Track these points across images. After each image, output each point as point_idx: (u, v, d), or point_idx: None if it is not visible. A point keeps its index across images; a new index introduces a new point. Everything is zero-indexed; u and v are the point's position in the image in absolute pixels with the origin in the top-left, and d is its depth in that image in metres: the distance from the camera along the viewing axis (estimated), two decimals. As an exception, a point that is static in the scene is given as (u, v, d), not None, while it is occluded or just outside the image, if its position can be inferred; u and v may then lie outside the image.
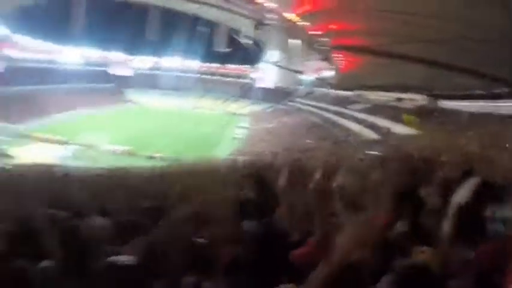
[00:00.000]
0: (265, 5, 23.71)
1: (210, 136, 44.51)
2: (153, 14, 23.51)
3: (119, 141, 37.61)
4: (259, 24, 25.41)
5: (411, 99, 34.11)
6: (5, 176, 12.38)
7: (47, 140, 37.83)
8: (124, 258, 1.35)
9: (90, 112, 56.68)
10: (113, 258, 1.39)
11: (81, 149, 34.86)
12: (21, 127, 41.90)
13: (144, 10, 30.48)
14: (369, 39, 21.82)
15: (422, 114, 26.08)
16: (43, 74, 56.14)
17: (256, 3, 23.68)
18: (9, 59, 47.39)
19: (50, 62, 58.95)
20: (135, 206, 4.60)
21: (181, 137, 42.29)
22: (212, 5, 24.95)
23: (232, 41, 28.88)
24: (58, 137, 38.20)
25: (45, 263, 2.28)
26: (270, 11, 24.17)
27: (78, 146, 36.19)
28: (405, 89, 32.60)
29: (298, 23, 25.32)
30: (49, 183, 7.27)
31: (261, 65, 53.04)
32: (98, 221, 3.34)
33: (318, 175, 2.34)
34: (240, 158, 18.08)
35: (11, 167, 19.66)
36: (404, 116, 23.37)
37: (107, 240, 2.73)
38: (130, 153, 33.77)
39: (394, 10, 14.96)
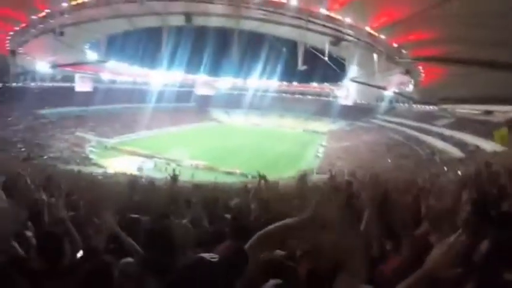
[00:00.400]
0: (343, 20, 23.98)
1: (290, 154, 45.03)
2: (234, 36, 25.11)
3: (201, 156, 39.56)
4: (337, 40, 25.58)
5: (503, 112, 31.64)
6: (96, 182, 13.87)
7: (133, 153, 41.04)
8: (209, 256, 1.40)
9: (175, 129, 60.99)
10: (199, 255, 1.44)
11: (164, 163, 36.89)
12: (111, 141, 46.58)
13: (225, 33, 32.43)
14: (450, 47, 20.94)
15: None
16: (132, 95, 62.17)
17: (334, 19, 24.06)
18: (99, 80, 52.64)
19: (138, 83, 65.02)
20: (218, 216, 5.04)
21: (262, 154, 43.29)
22: (291, 25, 25.77)
23: (312, 59, 29.31)
24: (143, 151, 41.39)
25: (126, 260, 2.64)
26: (348, 26, 24.32)
27: (161, 159, 38.61)
28: (495, 100, 30.26)
29: (376, 36, 25.13)
30: (134, 190, 7.78)
31: (340, 82, 52.85)
32: (181, 225, 3.67)
33: (402, 195, 2.67)
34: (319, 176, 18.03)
35: (100, 175, 21.63)
36: (495, 132, 21.56)
37: (188, 243, 3.03)
38: (211, 168, 35.06)
39: (474, 13, 14.45)
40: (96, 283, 2.29)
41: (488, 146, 28.74)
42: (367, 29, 24.36)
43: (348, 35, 25.13)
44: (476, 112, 38.26)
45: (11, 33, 26.85)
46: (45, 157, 32.66)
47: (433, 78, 29.85)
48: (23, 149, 32.74)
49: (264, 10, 24.57)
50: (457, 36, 19.09)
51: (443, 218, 2.38)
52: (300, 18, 24.23)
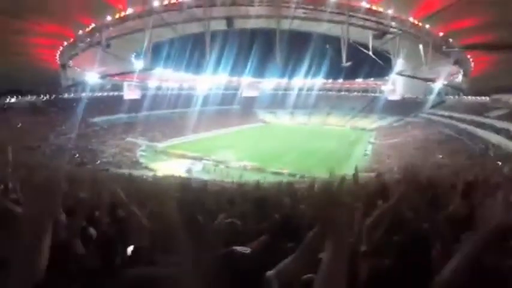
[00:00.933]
0: (385, 12, 23.69)
1: (339, 152, 44.48)
2: (276, 37, 25.30)
3: (249, 157, 39.65)
4: (381, 33, 25.22)
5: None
6: (147, 184, 14.08)
7: (182, 156, 41.66)
8: (241, 249, 1.43)
9: (222, 131, 61.78)
10: (232, 248, 1.49)
11: (212, 164, 37.67)
12: (160, 145, 47.82)
13: (268, 34, 32.74)
14: (499, 32, 20.03)
15: None
16: (178, 100, 63.78)
17: (376, 12, 23.83)
18: (147, 88, 54.44)
19: (184, 89, 66.79)
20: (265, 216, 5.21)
21: (310, 154, 42.92)
22: (333, 21, 25.74)
23: (357, 54, 28.97)
24: (192, 154, 42.01)
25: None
26: (391, 18, 23.96)
27: (210, 161, 39.25)
28: None
29: (420, 26, 24.56)
30: (185, 191, 7.97)
31: (387, 77, 51.60)
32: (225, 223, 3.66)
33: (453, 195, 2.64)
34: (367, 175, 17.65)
35: (151, 178, 21.91)
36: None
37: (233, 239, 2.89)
38: (258, 169, 35.05)
39: None
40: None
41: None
42: (411, 19, 23.91)
43: (391, 27, 24.70)
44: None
45: (61, 48, 28.65)
46: (98, 162, 34.12)
47: (484, 67, 28.66)
48: (77, 156, 34.27)
49: (304, 8, 24.75)
50: (506, 20, 18.35)
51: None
52: (341, 14, 24.12)
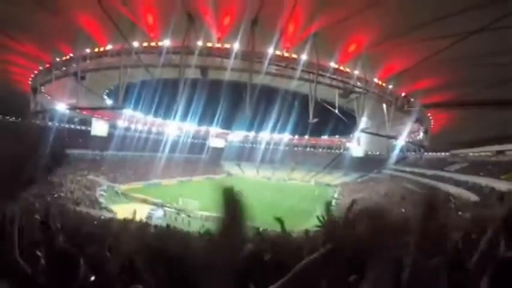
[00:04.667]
0: (351, 73, 25.23)
1: (301, 208, 44.55)
2: (247, 90, 25.87)
3: (212, 208, 39.03)
4: (347, 92, 26.46)
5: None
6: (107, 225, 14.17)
7: (143, 201, 41.27)
8: None
9: (187, 180, 61.57)
10: None
11: (174, 212, 37.24)
12: (123, 187, 47.09)
13: (238, 87, 33.40)
14: (458, 90, 21.71)
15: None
16: (145, 143, 63.46)
17: (343, 72, 25.33)
18: (115, 126, 53.88)
19: (152, 132, 66.33)
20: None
21: (273, 208, 42.06)
22: (302, 79, 26.87)
23: (324, 112, 29.91)
24: (154, 199, 41.56)
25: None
26: (357, 78, 25.45)
27: (171, 209, 38.85)
28: (506, 139, 30.40)
29: (384, 87, 26.20)
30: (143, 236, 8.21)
31: (352, 134, 53.57)
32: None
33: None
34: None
35: (109, 219, 21.33)
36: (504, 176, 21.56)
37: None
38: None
39: (478, 54, 15.22)
40: None
41: (503, 185, 28.71)
42: (375, 80, 25.47)
43: (357, 86, 25.92)
44: (489, 153, 38.37)
45: (35, 72, 28.42)
46: (55, 195, 32.81)
47: (443, 123, 30.47)
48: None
49: (277, 65, 25.81)
50: (464, 79, 19.92)
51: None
52: (310, 72, 25.24)
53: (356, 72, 24.96)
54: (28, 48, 23.54)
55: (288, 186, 69.22)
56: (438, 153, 50.87)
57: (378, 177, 64.52)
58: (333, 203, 50.31)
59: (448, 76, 20.65)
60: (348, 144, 64.13)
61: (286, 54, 24.53)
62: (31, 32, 20.60)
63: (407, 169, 55.78)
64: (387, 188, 52.65)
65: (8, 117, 41.66)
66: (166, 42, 23.68)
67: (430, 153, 51.35)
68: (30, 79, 29.67)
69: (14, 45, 22.58)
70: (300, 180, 76.25)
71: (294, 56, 24.29)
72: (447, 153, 47.51)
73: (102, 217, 22.99)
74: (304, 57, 23.83)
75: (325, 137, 78.45)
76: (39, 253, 3.31)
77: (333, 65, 24.64)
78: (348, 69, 25.19)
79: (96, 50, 24.71)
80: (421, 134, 32.36)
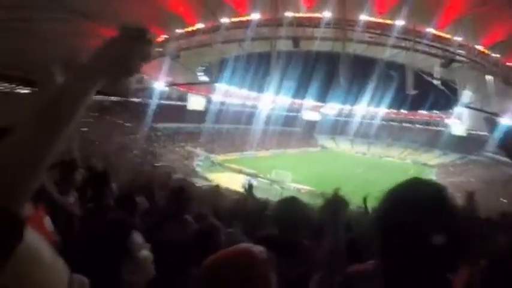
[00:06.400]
0: (453, 39, 23.34)
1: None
2: (341, 61, 25.26)
3: (305, 181, 39.42)
4: (448, 62, 24.44)
5: None
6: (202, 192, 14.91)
7: (239, 171, 42.87)
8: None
9: (281, 152, 62.80)
10: None
11: (267, 183, 37.76)
12: (219, 157, 49.95)
13: (333, 58, 32.41)
14: None
15: None
16: (240, 116, 64.64)
17: (443, 39, 23.59)
18: (210, 101, 54.78)
19: (247, 106, 67.24)
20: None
21: (367, 185, 41.02)
22: (398, 47, 25.60)
23: (423, 84, 28.02)
24: (248, 170, 43.06)
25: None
26: (460, 46, 23.47)
27: (265, 180, 39.67)
28: None
29: (489, 55, 23.79)
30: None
31: (451, 109, 49.57)
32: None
33: None
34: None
35: (207, 186, 22.57)
36: None
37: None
38: (312, 194, 34.31)
39: None
40: (204, 244, 2.62)
41: None
42: (478, 47, 23.29)
43: (459, 55, 24.04)
44: None
45: None
46: (156, 165, 35.08)
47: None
48: (137, 156, 35.54)
49: (370, 32, 25.02)
50: None
51: None
52: (407, 39, 23.98)
53: (457, 38, 23.12)
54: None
55: (384, 163, 67.34)
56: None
57: (479, 159, 59.28)
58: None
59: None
60: (447, 121, 59.36)
61: (379, 20, 23.59)
62: (125, 20, 22.45)
63: (513, 153, 50.05)
64: (488, 173, 48.38)
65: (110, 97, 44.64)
66: (255, 16, 23.97)
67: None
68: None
69: (111, 34, 24.86)
70: (397, 158, 73.51)
71: (389, 21, 23.23)
72: None
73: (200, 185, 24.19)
74: (399, 22, 22.75)
75: (422, 112, 73.48)
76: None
77: (431, 30, 23.14)
78: (448, 36, 23.42)
79: (188, 29, 25.89)
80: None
